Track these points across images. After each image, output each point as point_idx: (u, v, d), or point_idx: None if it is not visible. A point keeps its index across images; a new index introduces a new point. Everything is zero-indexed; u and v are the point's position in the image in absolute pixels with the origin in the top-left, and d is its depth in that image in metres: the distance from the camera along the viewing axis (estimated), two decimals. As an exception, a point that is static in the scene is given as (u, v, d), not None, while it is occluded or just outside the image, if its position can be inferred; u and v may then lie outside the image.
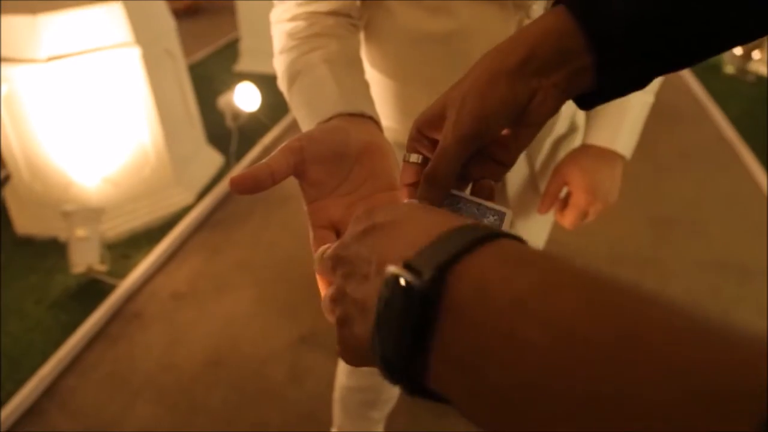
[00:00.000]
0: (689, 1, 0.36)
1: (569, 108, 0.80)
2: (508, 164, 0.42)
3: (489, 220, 0.42)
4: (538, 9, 0.67)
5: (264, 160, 0.45)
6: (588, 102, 0.42)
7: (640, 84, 0.40)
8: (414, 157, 0.44)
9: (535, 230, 0.98)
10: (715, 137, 3.25)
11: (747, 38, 0.39)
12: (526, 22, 0.67)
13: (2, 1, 2.02)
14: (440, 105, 0.41)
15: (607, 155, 0.83)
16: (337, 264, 0.34)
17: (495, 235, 0.26)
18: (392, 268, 0.26)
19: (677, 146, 3.13)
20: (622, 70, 0.38)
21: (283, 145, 0.47)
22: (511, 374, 0.21)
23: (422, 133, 0.43)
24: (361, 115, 0.54)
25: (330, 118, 0.54)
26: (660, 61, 0.39)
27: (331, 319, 0.35)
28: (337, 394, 1.32)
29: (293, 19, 0.69)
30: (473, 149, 0.40)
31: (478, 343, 0.23)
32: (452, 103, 0.40)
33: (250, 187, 0.44)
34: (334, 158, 0.48)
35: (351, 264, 0.32)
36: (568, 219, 0.87)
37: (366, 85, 0.64)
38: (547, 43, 0.38)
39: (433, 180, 0.40)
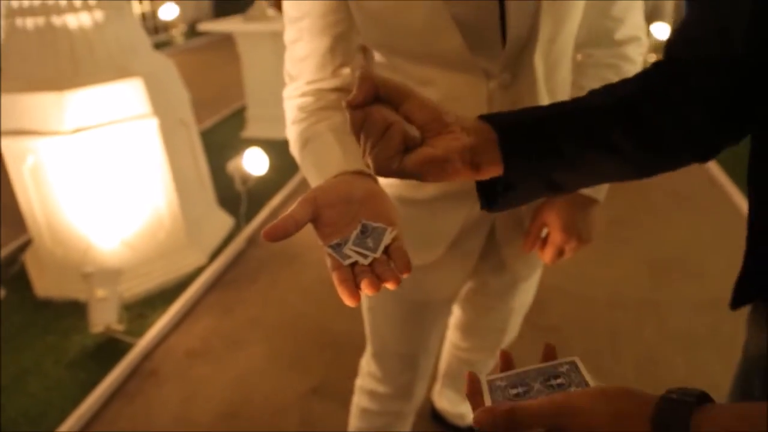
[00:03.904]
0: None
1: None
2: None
3: (377, 234, 0.55)
4: (506, 77, 0.79)
5: (287, 212, 0.55)
6: (495, 205, 0.60)
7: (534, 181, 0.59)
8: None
9: (528, 264, 1.07)
10: (707, 181, 3.36)
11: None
12: (498, 89, 0.79)
13: (29, 80, 2.20)
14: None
15: (580, 199, 0.94)
16: None
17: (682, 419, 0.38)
18: None
19: (670, 191, 3.24)
20: (516, 167, 0.57)
21: (300, 198, 0.57)
22: None
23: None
24: (361, 173, 0.65)
25: (335, 176, 0.65)
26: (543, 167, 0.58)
27: None
28: None
29: (303, 95, 0.82)
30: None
31: None
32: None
33: (279, 235, 0.53)
34: (342, 203, 0.58)
35: None
36: (547, 255, 0.96)
37: None
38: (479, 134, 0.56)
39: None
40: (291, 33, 0.81)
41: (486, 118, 0.58)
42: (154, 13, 9.30)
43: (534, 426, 0.43)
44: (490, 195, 0.61)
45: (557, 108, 0.61)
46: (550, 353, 0.51)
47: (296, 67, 0.82)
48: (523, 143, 0.57)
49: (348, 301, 0.51)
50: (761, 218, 0.59)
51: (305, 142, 0.76)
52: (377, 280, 0.51)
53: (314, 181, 0.69)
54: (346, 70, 0.81)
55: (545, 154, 0.58)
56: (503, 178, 0.58)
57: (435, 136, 0.55)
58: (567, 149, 0.58)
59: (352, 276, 0.52)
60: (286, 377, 2.02)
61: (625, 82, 0.63)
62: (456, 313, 1.37)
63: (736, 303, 0.65)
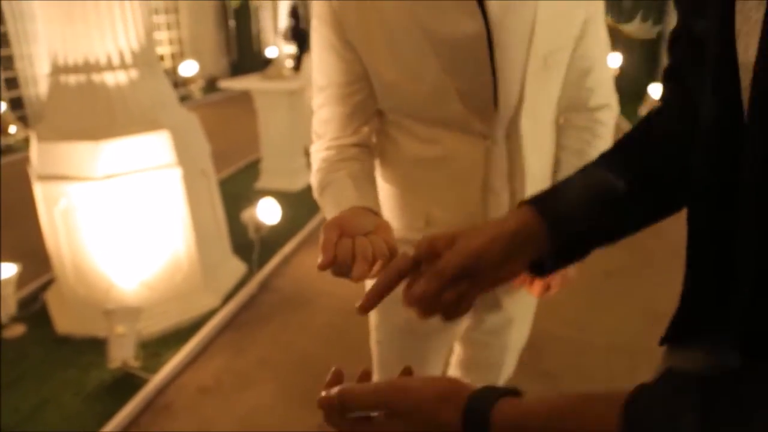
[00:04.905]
0: (595, 207, 0.63)
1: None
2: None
3: None
4: (500, 138, 0.94)
5: (323, 242, 0.67)
6: (542, 270, 0.64)
7: (581, 251, 0.64)
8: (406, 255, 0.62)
9: (521, 304, 1.19)
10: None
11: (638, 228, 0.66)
12: (492, 147, 0.94)
13: (68, 130, 2.39)
14: (449, 237, 0.60)
15: None
16: None
17: (486, 408, 0.45)
18: None
19: (665, 242, 3.35)
20: (566, 240, 0.61)
21: (324, 226, 0.70)
22: None
23: (429, 248, 0.60)
24: (370, 210, 0.80)
25: (349, 209, 0.79)
26: (589, 240, 0.64)
27: None
28: None
29: (327, 149, 0.98)
30: (459, 275, 0.58)
31: None
32: (459, 242, 0.59)
33: (331, 261, 0.65)
34: (359, 231, 0.72)
35: None
36: (536, 290, 1.09)
37: (375, 196, 0.91)
38: (527, 224, 0.61)
39: (441, 272, 0.57)
40: (318, 99, 0.98)
41: (532, 206, 0.62)
42: (174, 69, 9.74)
43: (367, 408, 0.49)
44: (537, 268, 0.65)
45: (586, 190, 0.64)
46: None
47: (322, 128, 0.99)
48: (569, 243, 0.63)
49: (321, 262, 0.65)
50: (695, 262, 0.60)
51: (326, 185, 0.92)
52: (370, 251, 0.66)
53: (331, 214, 0.84)
54: (365, 129, 0.97)
55: (589, 237, 0.64)
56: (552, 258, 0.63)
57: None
58: (607, 230, 0.64)
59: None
60: (295, 414, 2.10)
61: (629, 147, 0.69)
62: (456, 351, 1.49)
63: (667, 339, 0.67)
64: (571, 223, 0.62)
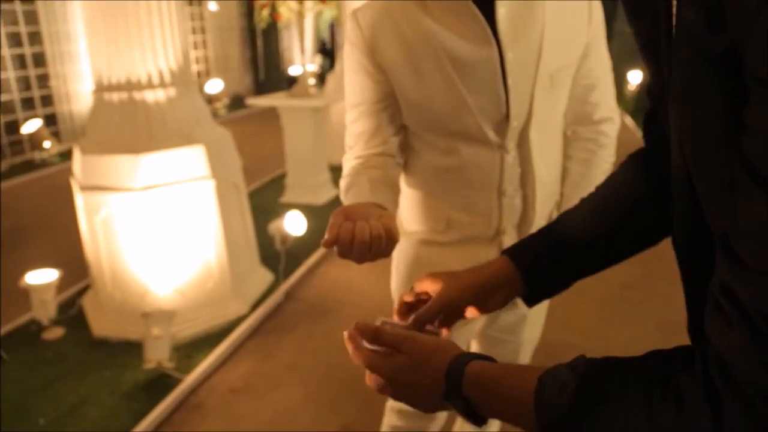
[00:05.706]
0: (566, 253, 0.77)
1: (545, 208, 1.16)
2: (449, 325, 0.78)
3: None
4: (512, 148, 1.05)
5: (330, 225, 0.78)
6: (530, 303, 0.79)
7: (553, 291, 0.79)
8: (410, 296, 0.80)
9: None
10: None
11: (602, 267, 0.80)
12: (505, 156, 1.05)
13: (109, 144, 2.55)
14: (437, 281, 0.78)
15: None
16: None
17: (463, 363, 0.59)
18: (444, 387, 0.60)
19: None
20: (538, 285, 0.77)
21: (332, 214, 0.81)
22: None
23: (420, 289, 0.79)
24: (378, 205, 0.90)
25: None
26: (559, 281, 0.78)
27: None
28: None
29: (356, 158, 1.09)
30: (443, 311, 0.76)
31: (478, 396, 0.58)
32: (444, 287, 0.77)
33: (335, 241, 0.77)
34: (363, 216, 0.82)
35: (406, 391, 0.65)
36: None
37: (390, 198, 1.01)
38: (500, 273, 0.77)
39: (420, 318, 0.75)
40: (351, 115, 1.10)
41: (508, 257, 0.79)
42: (200, 87, 10.03)
43: (387, 345, 0.64)
44: (526, 301, 0.81)
45: (562, 240, 0.78)
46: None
47: (353, 140, 1.11)
48: (544, 283, 0.79)
49: (324, 240, 0.76)
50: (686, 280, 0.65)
51: (349, 188, 1.04)
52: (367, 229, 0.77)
53: None
54: (393, 140, 1.09)
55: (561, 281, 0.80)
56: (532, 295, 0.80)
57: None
58: (576, 271, 0.79)
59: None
60: (320, 416, 2.20)
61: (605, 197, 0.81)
62: (473, 348, 1.58)
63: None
64: (543, 268, 0.78)
